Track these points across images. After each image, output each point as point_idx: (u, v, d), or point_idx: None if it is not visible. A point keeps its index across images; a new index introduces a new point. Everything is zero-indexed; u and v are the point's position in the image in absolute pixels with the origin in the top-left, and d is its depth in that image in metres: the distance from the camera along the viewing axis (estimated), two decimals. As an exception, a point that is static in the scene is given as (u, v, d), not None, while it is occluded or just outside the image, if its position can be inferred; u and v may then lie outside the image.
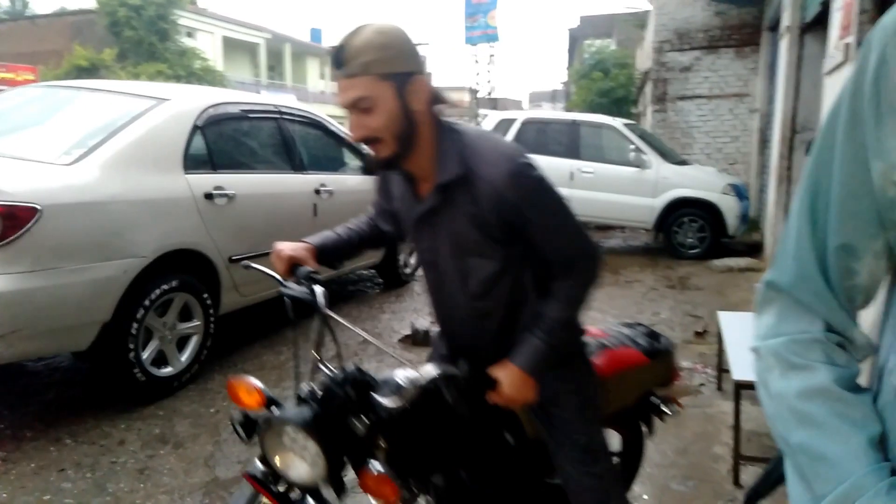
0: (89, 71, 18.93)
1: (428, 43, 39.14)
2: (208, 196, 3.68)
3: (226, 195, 3.79)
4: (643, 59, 14.06)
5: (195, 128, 3.74)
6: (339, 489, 1.35)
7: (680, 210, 7.87)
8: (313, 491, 1.37)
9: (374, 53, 1.22)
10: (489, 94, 26.09)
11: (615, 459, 2.01)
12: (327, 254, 1.61)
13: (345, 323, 1.48)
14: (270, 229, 3.94)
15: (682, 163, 8.62)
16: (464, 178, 1.32)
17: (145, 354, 3.38)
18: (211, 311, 3.72)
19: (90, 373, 3.68)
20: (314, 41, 37.70)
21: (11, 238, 2.78)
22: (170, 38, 22.01)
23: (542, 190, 1.33)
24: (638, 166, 7.89)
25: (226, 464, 2.90)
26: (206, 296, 3.68)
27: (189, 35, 24.58)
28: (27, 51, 23.21)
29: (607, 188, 8.09)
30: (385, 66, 1.23)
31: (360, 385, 1.33)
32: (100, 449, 3.00)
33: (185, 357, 3.61)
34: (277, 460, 1.35)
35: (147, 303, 3.32)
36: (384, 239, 1.74)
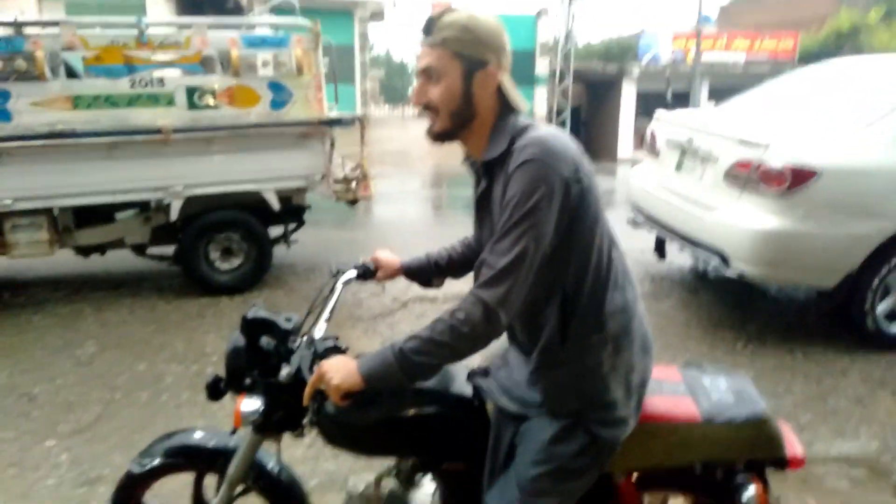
0: (849, 35, 18.81)
1: None
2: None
3: None
4: None
5: None
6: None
7: None
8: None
9: (454, 31, 1.32)
10: None
11: None
12: (410, 272, 1.85)
13: (333, 299, 1.68)
14: None
15: None
16: (504, 154, 1.33)
17: (879, 308, 3.78)
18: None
19: (822, 308, 4.32)
20: None
21: (794, 191, 3.58)
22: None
23: (530, 183, 1.25)
24: None
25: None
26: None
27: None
28: (790, 18, 24.49)
29: None
30: (460, 45, 1.32)
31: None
32: (824, 370, 3.63)
33: (918, 320, 3.82)
34: None
35: (893, 262, 3.67)
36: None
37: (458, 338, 1.26)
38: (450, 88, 1.34)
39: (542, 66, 17.71)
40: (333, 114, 4.83)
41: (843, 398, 3.35)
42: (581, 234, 1.32)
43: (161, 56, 4.25)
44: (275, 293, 4.80)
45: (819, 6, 23.07)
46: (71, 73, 4.18)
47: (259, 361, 1.44)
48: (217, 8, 13.54)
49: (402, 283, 4.89)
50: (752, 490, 1.52)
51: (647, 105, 17.10)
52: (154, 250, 4.83)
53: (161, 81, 4.25)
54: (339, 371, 1.30)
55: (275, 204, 4.64)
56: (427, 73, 1.36)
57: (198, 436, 1.68)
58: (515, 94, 1.39)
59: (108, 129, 4.19)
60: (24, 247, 4.24)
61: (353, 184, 4.93)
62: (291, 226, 5.05)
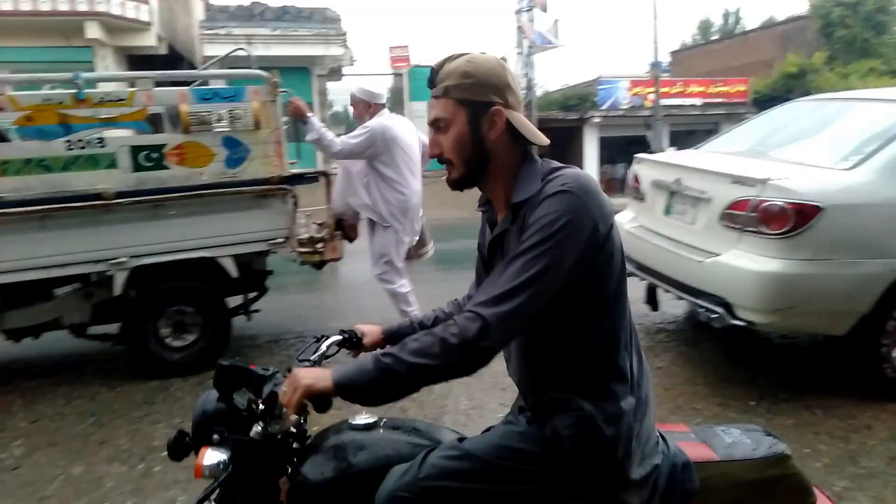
0: (796, 76, 19.51)
1: None
2: None
3: None
4: None
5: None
6: None
7: None
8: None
9: (455, 79, 1.32)
10: None
11: None
12: (392, 336, 1.68)
13: (319, 352, 1.56)
14: None
15: None
16: (534, 197, 1.29)
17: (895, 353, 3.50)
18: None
19: (839, 357, 4.01)
20: None
21: (798, 230, 3.32)
22: (887, 31, 20.45)
23: (559, 210, 1.23)
24: None
25: None
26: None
27: (911, 24, 22.15)
28: (738, 64, 25.43)
29: None
30: (462, 92, 1.31)
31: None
32: (848, 426, 3.31)
33: (936, 365, 3.54)
34: None
35: (907, 302, 3.41)
36: None
37: (444, 350, 1.19)
38: (459, 136, 1.34)
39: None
40: (295, 170, 4.47)
41: (875, 458, 3.01)
42: (608, 275, 1.28)
43: (101, 114, 3.85)
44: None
45: (764, 52, 24.08)
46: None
47: (230, 417, 1.33)
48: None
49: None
50: None
51: (610, 151, 17.31)
52: (96, 330, 4.31)
53: (101, 142, 3.84)
54: (312, 374, 1.25)
55: (232, 271, 4.19)
56: (436, 125, 1.37)
57: None
58: (530, 128, 1.35)
59: (41, 197, 3.74)
60: (-58, 334, 3.71)
61: (320, 245, 4.53)
62: (252, 294, 4.60)
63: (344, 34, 16.88)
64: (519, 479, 1.29)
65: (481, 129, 1.33)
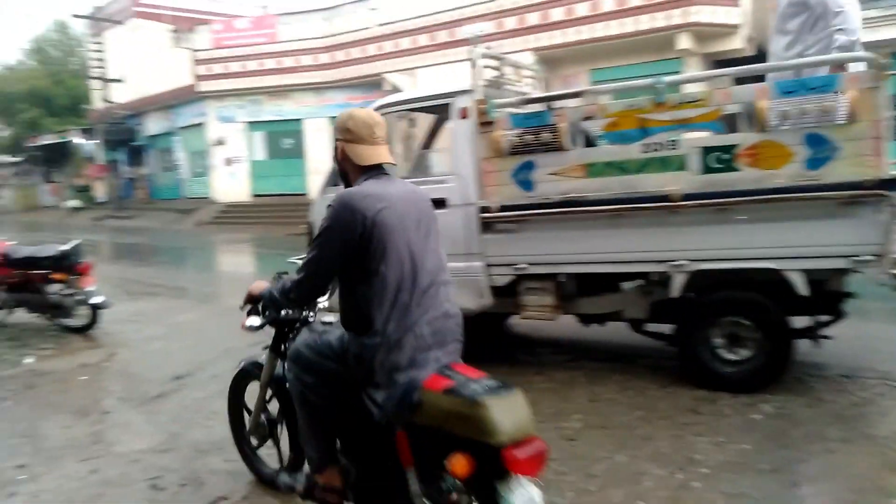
0: None
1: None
2: None
3: None
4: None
5: None
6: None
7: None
8: None
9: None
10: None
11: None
12: None
13: None
14: None
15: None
16: None
17: None
18: None
19: None
20: None
21: None
22: None
23: (325, 218, 2.18)
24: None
25: None
26: None
27: None
28: None
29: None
30: (334, 132, 2.38)
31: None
32: None
33: None
34: None
35: None
36: None
37: (281, 292, 2.32)
38: (334, 160, 2.44)
39: None
40: (899, 172, 3.55)
41: None
42: (372, 259, 2.14)
43: (677, 116, 3.86)
44: (793, 400, 3.75)
45: None
46: (588, 142, 4.19)
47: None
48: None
49: None
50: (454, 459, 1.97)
51: None
52: (652, 327, 4.42)
53: (672, 144, 3.86)
54: (260, 284, 2.56)
55: (801, 287, 3.62)
56: None
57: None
58: (358, 155, 2.28)
59: (615, 197, 4.00)
60: (532, 309, 4.39)
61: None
62: (823, 317, 3.90)
63: None
64: (329, 358, 2.33)
65: (337, 156, 2.36)
